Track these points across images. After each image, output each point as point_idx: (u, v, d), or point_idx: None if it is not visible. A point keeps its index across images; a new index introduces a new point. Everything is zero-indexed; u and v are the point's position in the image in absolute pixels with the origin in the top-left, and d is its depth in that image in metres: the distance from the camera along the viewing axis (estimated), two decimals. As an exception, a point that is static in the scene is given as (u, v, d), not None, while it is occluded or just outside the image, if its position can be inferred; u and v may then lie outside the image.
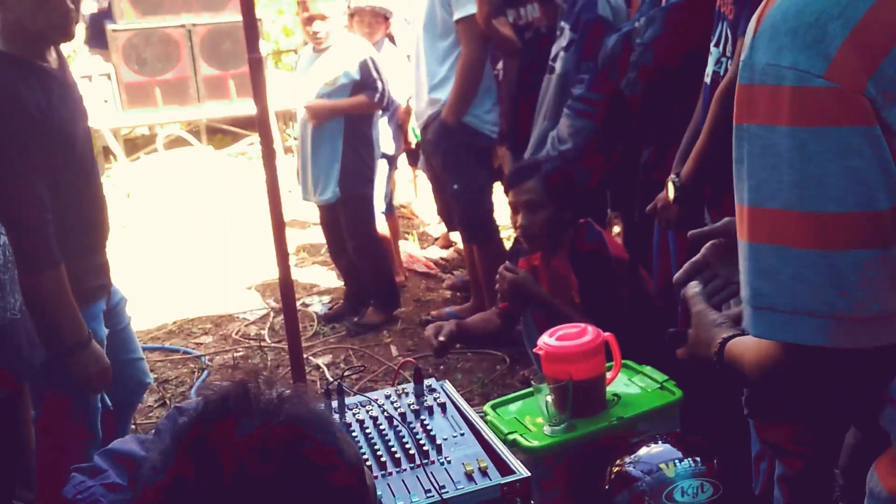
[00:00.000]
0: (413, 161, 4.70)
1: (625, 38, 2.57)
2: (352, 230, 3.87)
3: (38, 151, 2.00)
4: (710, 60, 2.11)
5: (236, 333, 4.06)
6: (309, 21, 3.75)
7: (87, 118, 2.28)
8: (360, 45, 3.75)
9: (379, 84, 3.69)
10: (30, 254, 1.97)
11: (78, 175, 2.16)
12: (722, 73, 2.03)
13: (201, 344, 4.00)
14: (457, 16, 3.38)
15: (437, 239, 5.06)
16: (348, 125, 3.73)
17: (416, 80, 3.65)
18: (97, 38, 7.09)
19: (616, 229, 4.04)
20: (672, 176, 2.19)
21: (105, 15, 7.05)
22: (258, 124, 3.89)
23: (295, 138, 7.19)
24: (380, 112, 3.91)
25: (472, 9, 3.26)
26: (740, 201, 0.94)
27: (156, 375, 3.57)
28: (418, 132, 3.93)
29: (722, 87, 1.99)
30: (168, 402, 3.45)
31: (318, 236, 4.89)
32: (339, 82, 3.69)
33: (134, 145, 7.52)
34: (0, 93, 1.95)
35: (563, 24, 2.98)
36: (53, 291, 2.03)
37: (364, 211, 3.88)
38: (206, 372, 3.70)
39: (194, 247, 5.24)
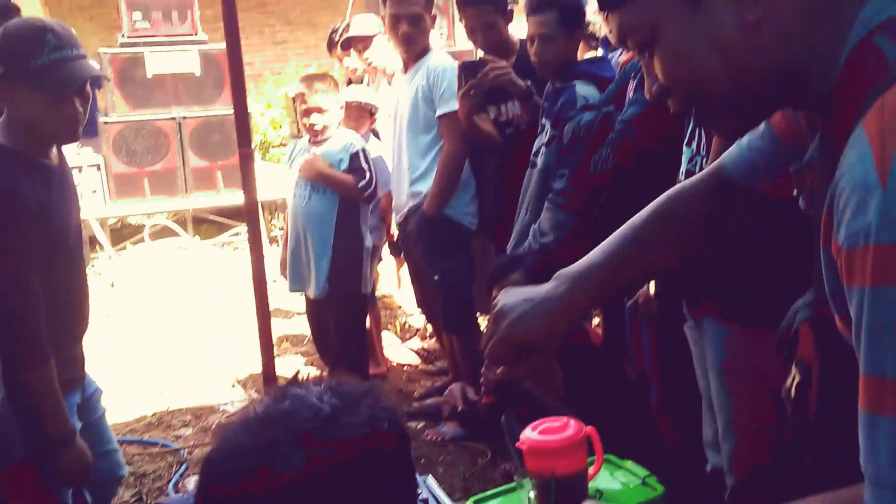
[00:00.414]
0: (395, 252, 4.74)
1: (604, 117, 2.64)
2: (340, 327, 3.86)
3: (37, 247, 2.01)
4: (684, 159, 2.16)
5: (216, 426, 4.00)
6: (307, 114, 3.85)
7: (80, 210, 2.31)
8: (353, 139, 3.82)
9: (367, 174, 3.72)
10: (21, 349, 1.96)
11: (67, 267, 2.17)
12: (696, 171, 2.08)
13: (180, 437, 3.94)
14: (440, 112, 3.48)
15: (418, 330, 5.06)
16: (340, 218, 3.74)
17: (397, 172, 3.73)
18: (87, 129, 7.19)
19: (596, 320, 4.05)
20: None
21: (95, 107, 7.18)
22: (246, 215, 3.97)
23: (281, 228, 7.29)
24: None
25: (454, 105, 3.35)
26: (880, 373, 0.85)
27: (133, 469, 3.50)
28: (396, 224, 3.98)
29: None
30: (144, 497, 3.37)
31: (301, 326, 4.88)
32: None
33: (120, 235, 7.54)
34: (4, 190, 1.97)
35: (544, 120, 3.06)
36: (42, 388, 2.00)
37: (354, 308, 3.87)
38: (184, 466, 3.63)
39: (177, 337, 5.21)
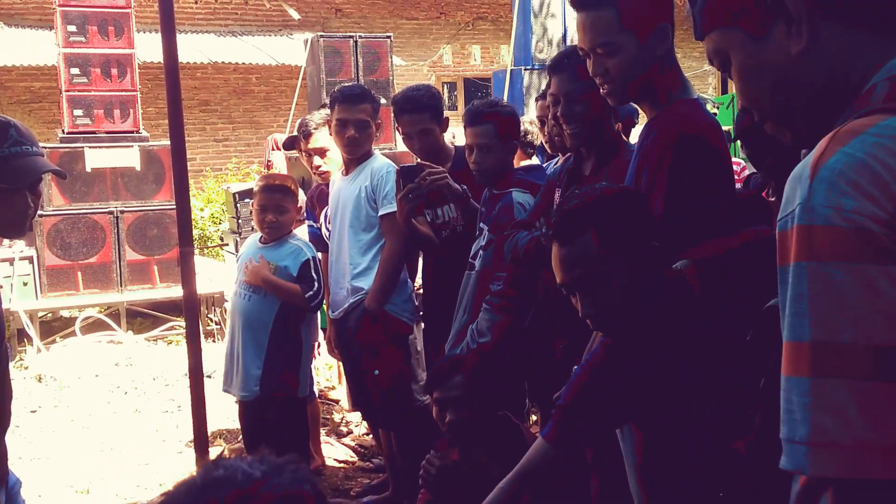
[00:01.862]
0: (331, 349, 4.76)
1: (537, 240, 2.78)
2: (275, 430, 3.71)
3: None
4: None
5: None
6: (309, 157, 3.90)
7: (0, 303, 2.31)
8: (303, 247, 3.81)
9: (315, 284, 3.71)
10: None
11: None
12: None
13: (108, 537, 3.83)
14: (382, 211, 3.60)
15: (357, 425, 5.05)
16: (278, 321, 3.70)
17: (336, 269, 3.79)
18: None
19: (534, 418, 4.13)
20: (555, 396, 2.30)
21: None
22: (185, 310, 3.98)
23: (217, 323, 7.25)
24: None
25: (396, 206, 3.48)
26: (797, 338, 0.98)
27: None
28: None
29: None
30: None
31: (236, 423, 4.82)
32: (277, 274, 3.71)
33: (50, 328, 7.39)
34: None
35: (482, 225, 3.20)
36: None
37: (290, 411, 3.77)
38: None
39: (106, 433, 5.09)
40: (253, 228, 6.50)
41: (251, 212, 4.55)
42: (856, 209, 0.95)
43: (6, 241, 6.95)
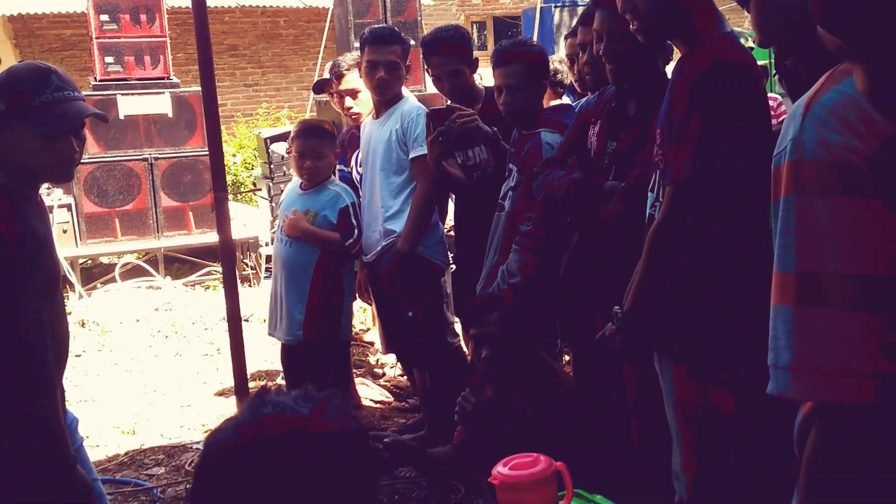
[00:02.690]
0: (362, 293, 4.80)
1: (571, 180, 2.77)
2: (318, 374, 3.71)
3: (43, 280, 2.08)
4: (647, 202, 2.30)
5: (189, 464, 4.03)
6: (341, 99, 3.93)
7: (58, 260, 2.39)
8: (342, 192, 3.80)
9: (355, 231, 3.72)
10: (36, 378, 2.02)
11: (54, 301, 2.24)
12: (655, 215, 2.21)
13: (153, 476, 3.96)
14: (413, 154, 3.60)
15: (392, 367, 5.13)
16: (320, 266, 3.71)
17: (368, 212, 3.81)
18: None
19: (566, 358, 4.17)
20: (616, 307, 2.33)
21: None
22: (221, 255, 4.03)
23: (252, 268, 7.35)
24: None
25: (426, 149, 3.48)
26: (784, 269, 1.03)
27: (107, 508, 3.52)
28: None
29: (652, 231, 2.15)
30: (118, 535, 3.40)
31: (277, 364, 4.93)
32: (316, 222, 3.71)
33: (91, 275, 7.55)
34: (20, 226, 2.04)
35: (511, 166, 3.19)
36: (53, 414, 2.06)
37: (332, 356, 3.81)
38: (157, 504, 3.66)
39: (149, 376, 5.23)
40: (285, 173, 6.56)
41: (283, 157, 4.58)
42: (841, 144, 0.98)
43: (44, 189, 7.07)
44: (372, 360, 5.32)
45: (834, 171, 0.98)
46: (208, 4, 4.08)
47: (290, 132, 4.36)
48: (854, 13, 1.00)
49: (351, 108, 4.11)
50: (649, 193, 2.31)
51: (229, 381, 3.95)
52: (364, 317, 5.84)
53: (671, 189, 2.08)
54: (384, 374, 5.09)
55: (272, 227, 6.27)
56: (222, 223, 3.84)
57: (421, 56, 5.89)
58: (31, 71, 2.15)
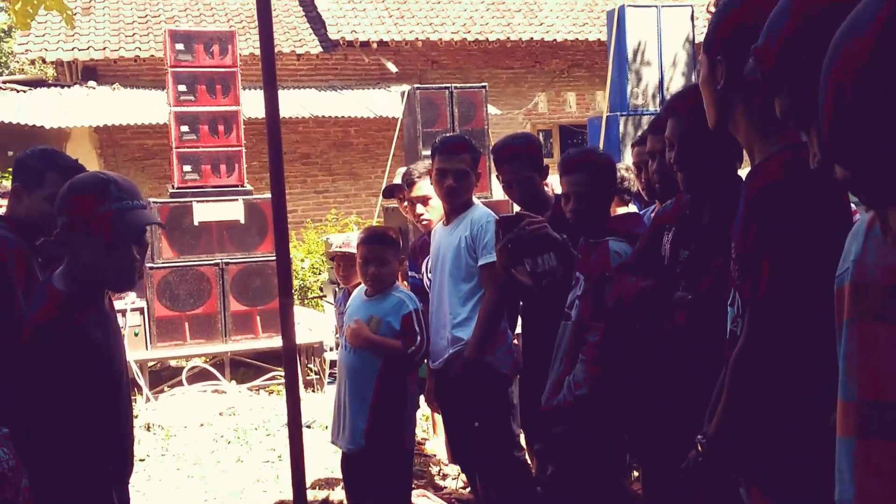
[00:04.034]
0: (429, 399, 4.73)
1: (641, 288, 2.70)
2: (379, 484, 3.65)
3: (103, 385, 2.13)
4: (728, 318, 2.20)
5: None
6: (412, 205, 3.97)
7: (125, 353, 2.42)
8: (406, 298, 3.74)
9: (418, 338, 3.64)
10: (89, 480, 2.07)
11: (121, 407, 2.27)
12: (738, 333, 2.10)
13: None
14: (482, 261, 3.58)
15: (454, 478, 4.99)
16: (383, 372, 3.62)
17: (437, 318, 3.78)
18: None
19: (635, 474, 3.99)
20: (699, 436, 2.20)
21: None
22: (284, 360, 4.01)
23: (316, 373, 7.35)
24: None
25: (495, 256, 3.47)
26: (847, 398, 0.96)
27: None
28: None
29: (736, 353, 2.04)
30: None
31: (337, 474, 4.84)
32: (380, 328, 3.65)
33: (159, 378, 7.63)
34: (76, 333, 2.10)
35: (578, 274, 3.14)
36: None
37: (395, 465, 3.69)
38: None
39: (210, 483, 5.18)
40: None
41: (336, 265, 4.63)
42: None
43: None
44: (434, 470, 5.19)
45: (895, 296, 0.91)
46: (283, 115, 4.21)
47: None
48: (866, 150, 0.93)
49: (422, 214, 4.14)
50: (729, 309, 2.22)
51: (289, 490, 3.88)
52: (427, 425, 5.74)
53: (749, 310, 1.99)
54: (446, 487, 4.95)
55: (337, 333, 6.28)
56: (287, 328, 3.84)
57: (489, 163, 5.98)
58: (91, 182, 2.21)
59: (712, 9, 2.50)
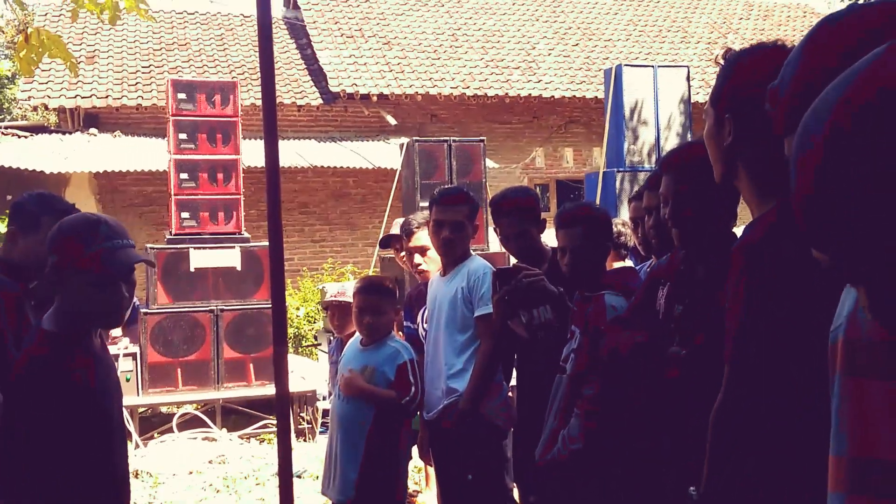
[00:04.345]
0: (422, 452, 4.70)
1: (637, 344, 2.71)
2: None
3: (87, 429, 2.12)
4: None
5: None
6: (410, 255, 3.99)
7: (121, 394, 2.42)
8: (401, 349, 3.75)
9: (412, 388, 3.64)
10: None
11: (113, 448, 2.27)
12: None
13: None
14: (478, 312, 3.60)
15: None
16: (376, 424, 3.61)
17: (432, 370, 3.77)
18: (129, 317, 7.45)
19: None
20: (692, 489, 2.20)
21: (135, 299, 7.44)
22: (276, 408, 3.99)
23: (308, 422, 7.29)
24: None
25: (491, 308, 3.48)
26: (838, 453, 0.97)
27: None
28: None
29: (714, 410, 2.04)
30: None
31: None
32: (374, 378, 3.66)
33: (150, 424, 7.56)
34: (57, 375, 2.11)
35: (573, 327, 3.15)
36: None
37: None
38: None
39: (198, 532, 5.11)
40: (348, 328, 6.59)
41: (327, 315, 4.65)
42: None
43: (111, 336, 7.22)
44: (426, 524, 5.12)
45: (889, 352, 0.92)
46: (283, 164, 4.25)
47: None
48: (840, 234, 0.91)
49: (419, 264, 4.17)
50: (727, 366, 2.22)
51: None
52: (419, 477, 5.68)
53: (727, 367, 2.00)
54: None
55: (329, 382, 6.26)
56: (280, 377, 3.81)
57: (486, 215, 6.02)
58: (81, 222, 2.26)
59: (721, 61, 2.50)
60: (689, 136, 8.97)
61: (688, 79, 9.26)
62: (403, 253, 4.51)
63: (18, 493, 2.09)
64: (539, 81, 14.59)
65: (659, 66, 9.22)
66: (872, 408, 0.93)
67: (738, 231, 2.45)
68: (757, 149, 1.93)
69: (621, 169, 8.66)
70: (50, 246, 2.23)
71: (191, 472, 6.24)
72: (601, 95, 10.93)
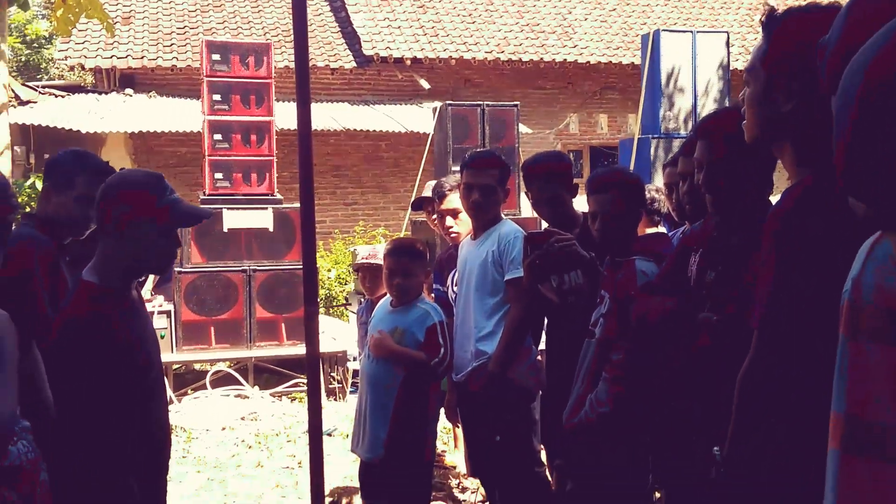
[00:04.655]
0: (450, 413, 4.74)
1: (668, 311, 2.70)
2: (398, 495, 3.65)
3: (124, 380, 2.19)
4: None
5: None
6: (442, 218, 4.04)
7: (159, 345, 2.50)
8: (431, 311, 3.76)
9: (442, 350, 3.65)
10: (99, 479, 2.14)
11: (153, 399, 2.38)
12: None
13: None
14: (508, 276, 3.60)
15: (473, 491, 4.99)
16: (405, 385, 3.63)
17: (461, 332, 3.79)
18: (162, 279, 7.57)
19: (657, 495, 3.97)
20: (715, 448, 2.20)
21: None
22: (307, 367, 4.05)
23: (339, 381, 7.38)
24: None
25: (522, 272, 3.49)
26: (837, 409, 0.99)
27: None
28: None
29: (741, 374, 2.04)
30: None
31: (356, 483, 4.85)
32: (404, 339, 3.67)
33: (183, 381, 7.71)
34: (97, 327, 2.18)
35: (603, 292, 3.15)
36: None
37: (415, 477, 3.68)
38: None
39: (229, 486, 5.22)
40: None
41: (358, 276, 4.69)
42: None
43: (146, 293, 7.34)
44: (453, 483, 5.19)
45: (887, 317, 0.93)
46: (315, 127, 4.27)
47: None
48: (882, 182, 0.96)
49: (451, 227, 4.18)
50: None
51: (307, 497, 3.89)
52: (447, 437, 5.74)
53: (756, 333, 1.99)
54: (465, 500, 4.95)
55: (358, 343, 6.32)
56: (311, 336, 3.87)
57: (518, 180, 6.00)
58: (150, 177, 2.36)
59: (763, 20, 2.38)
60: (726, 103, 8.84)
61: (727, 45, 9.10)
62: (435, 216, 4.51)
63: (68, 448, 2.16)
64: (574, 47, 14.42)
65: (698, 32, 9.06)
66: (869, 371, 0.95)
67: (774, 200, 2.42)
68: (809, 114, 1.89)
69: (656, 136, 8.57)
70: (118, 198, 2.27)
71: (223, 429, 6.37)
72: (637, 61, 10.78)
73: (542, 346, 4.05)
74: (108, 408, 2.15)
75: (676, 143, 8.28)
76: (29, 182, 9.72)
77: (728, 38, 9.20)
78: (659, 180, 6.13)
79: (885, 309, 0.95)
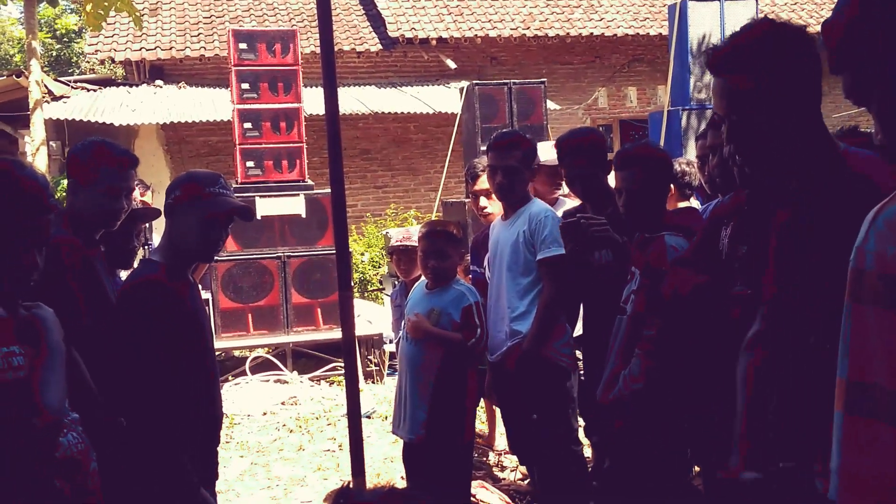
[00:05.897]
0: (486, 392, 4.77)
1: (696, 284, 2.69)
2: (440, 475, 3.69)
3: (191, 351, 2.50)
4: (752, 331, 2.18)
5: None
6: (475, 199, 4.05)
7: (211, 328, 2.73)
8: (467, 292, 3.79)
9: (478, 330, 3.69)
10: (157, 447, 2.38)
11: (212, 375, 2.69)
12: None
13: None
14: (540, 256, 3.62)
15: (513, 469, 5.03)
16: (444, 366, 3.67)
17: (495, 313, 3.82)
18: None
19: (697, 468, 3.97)
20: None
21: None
22: (344, 351, 4.10)
23: (376, 364, 7.46)
24: None
25: (555, 250, 3.51)
26: (840, 374, 1.02)
27: None
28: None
29: (750, 364, 2.03)
30: None
31: (398, 465, 4.91)
32: (440, 321, 3.71)
33: (223, 367, 7.82)
34: (172, 300, 2.48)
35: (633, 268, 3.15)
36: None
37: (456, 457, 3.74)
38: None
39: (272, 470, 5.31)
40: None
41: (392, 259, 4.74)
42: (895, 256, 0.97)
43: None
44: (492, 461, 5.23)
45: (887, 282, 0.96)
46: (343, 111, 4.29)
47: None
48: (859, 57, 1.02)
49: (485, 207, 4.21)
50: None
51: (349, 478, 3.96)
52: (485, 417, 5.77)
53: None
54: (504, 478, 4.99)
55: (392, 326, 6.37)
56: (346, 320, 3.91)
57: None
58: (205, 172, 2.71)
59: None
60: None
61: (757, 12, 8.95)
62: (482, 205, 4.52)
63: (132, 408, 2.42)
64: (601, 20, 14.28)
65: (726, 0, 8.93)
66: (869, 334, 0.98)
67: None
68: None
69: (686, 107, 8.48)
70: (176, 185, 2.62)
71: (264, 413, 6.47)
72: (665, 32, 10.66)
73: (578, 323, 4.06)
74: (165, 379, 2.38)
75: (708, 114, 8.18)
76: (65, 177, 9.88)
77: (757, 4, 9.05)
78: (692, 152, 6.08)
79: (885, 275, 0.98)
